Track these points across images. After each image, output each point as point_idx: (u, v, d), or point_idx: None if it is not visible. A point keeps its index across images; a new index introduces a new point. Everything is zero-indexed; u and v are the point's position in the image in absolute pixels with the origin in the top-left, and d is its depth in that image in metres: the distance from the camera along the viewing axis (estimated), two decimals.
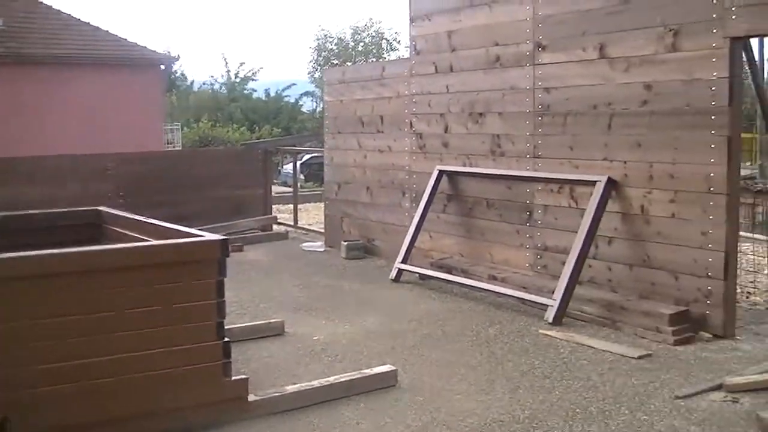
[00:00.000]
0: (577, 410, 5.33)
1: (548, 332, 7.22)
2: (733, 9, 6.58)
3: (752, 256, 10.62)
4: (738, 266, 7.32)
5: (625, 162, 7.58)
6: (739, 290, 9.09)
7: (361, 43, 56.63)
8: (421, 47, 10.20)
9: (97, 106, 27.44)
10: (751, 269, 10.01)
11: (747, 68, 7.80)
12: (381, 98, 10.97)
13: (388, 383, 5.88)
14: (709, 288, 6.93)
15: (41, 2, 30.30)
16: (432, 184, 9.72)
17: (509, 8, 8.76)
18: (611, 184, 7.64)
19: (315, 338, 7.21)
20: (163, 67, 29.75)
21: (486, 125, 9.18)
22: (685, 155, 7.04)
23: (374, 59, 49.25)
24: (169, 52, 32.56)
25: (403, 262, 9.62)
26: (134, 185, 12.88)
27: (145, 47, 30.55)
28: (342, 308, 8.34)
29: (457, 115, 9.60)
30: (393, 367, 6.04)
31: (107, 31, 30.19)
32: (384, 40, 56.49)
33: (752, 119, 26.78)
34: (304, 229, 14.34)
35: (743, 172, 26.48)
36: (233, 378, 5.17)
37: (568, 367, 6.25)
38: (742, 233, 10.75)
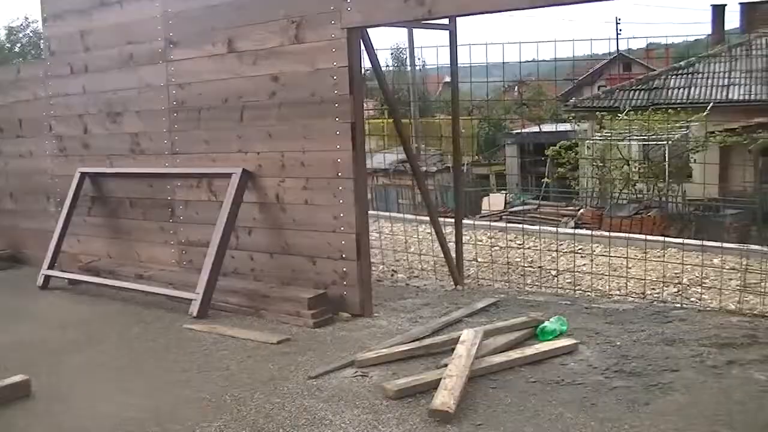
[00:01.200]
0: (212, 400, 5.32)
1: (192, 326, 7.17)
2: (349, 1, 6.87)
3: (402, 237, 11.24)
4: (383, 246, 7.78)
5: (258, 153, 7.70)
6: (385, 269, 9.64)
7: (18, 44, 53.41)
8: (56, 48, 9.79)
9: None
10: (400, 249, 10.58)
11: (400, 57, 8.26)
12: (18, 102, 10.41)
13: (19, 394, 5.55)
14: (344, 270, 7.21)
15: None
16: (74, 188, 9.35)
17: (139, 6, 8.61)
18: (246, 175, 7.72)
19: None
20: None
21: (124, 124, 8.98)
22: (314, 143, 7.27)
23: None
24: None
25: (50, 268, 9.20)
26: None
27: None
28: None
29: (95, 115, 9.31)
30: (25, 377, 5.71)
31: None
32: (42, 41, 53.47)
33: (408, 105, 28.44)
34: None
35: (402, 156, 28.07)
36: None
37: (208, 359, 6.24)
38: (395, 214, 11.38)
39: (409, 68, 31.04)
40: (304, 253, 7.49)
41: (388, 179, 25.49)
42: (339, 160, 7.10)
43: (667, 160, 19.77)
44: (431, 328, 6.71)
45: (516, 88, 32.54)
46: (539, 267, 10.27)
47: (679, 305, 7.74)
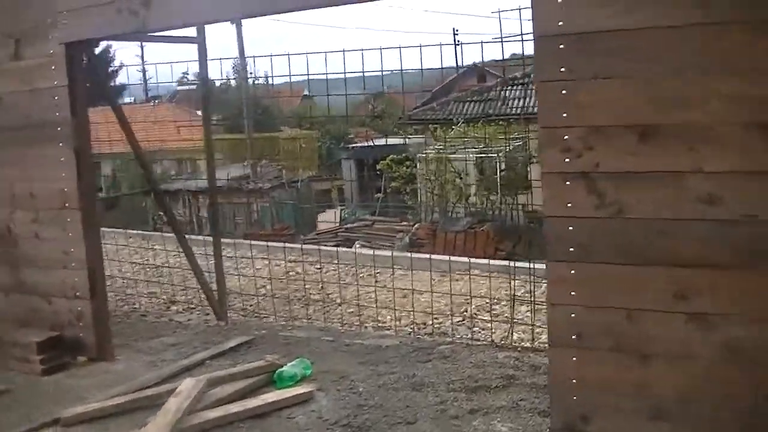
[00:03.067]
0: None
1: None
2: (64, 13, 6.20)
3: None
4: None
5: None
6: (160, 300, 8.95)
7: None
8: None
9: None
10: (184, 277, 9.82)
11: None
12: None
13: None
14: (79, 309, 6.54)
15: None
16: None
17: None
18: None
19: None
20: None
21: None
22: (40, 171, 6.57)
23: None
24: None
25: None
26: None
27: None
28: None
29: None
30: None
31: None
32: None
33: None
34: None
35: (239, 173, 27.41)
36: None
37: None
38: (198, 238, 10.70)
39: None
40: (38, 292, 6.78)
41: (222, 197, 24.83)
42: (66, 190, 6.43)
43: (498, 172, 19.52)
44: (164, 374, 6.13)
45: (372, 100, 32.19)
46: (327, 295, 9.72)
47: (450, 339, 7.30)
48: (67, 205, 6.43)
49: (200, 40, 7.53)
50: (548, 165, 4.44)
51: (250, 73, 30.37)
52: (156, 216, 28.17)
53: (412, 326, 8.21)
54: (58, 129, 6.37)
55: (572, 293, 4.45)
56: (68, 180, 6.39)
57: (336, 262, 11.09)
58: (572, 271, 4.43)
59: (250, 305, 9.00)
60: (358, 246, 20.24)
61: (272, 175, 25.78)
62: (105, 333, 6.63)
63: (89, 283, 6.46)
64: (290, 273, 10.59)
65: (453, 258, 10.73)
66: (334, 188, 27.25)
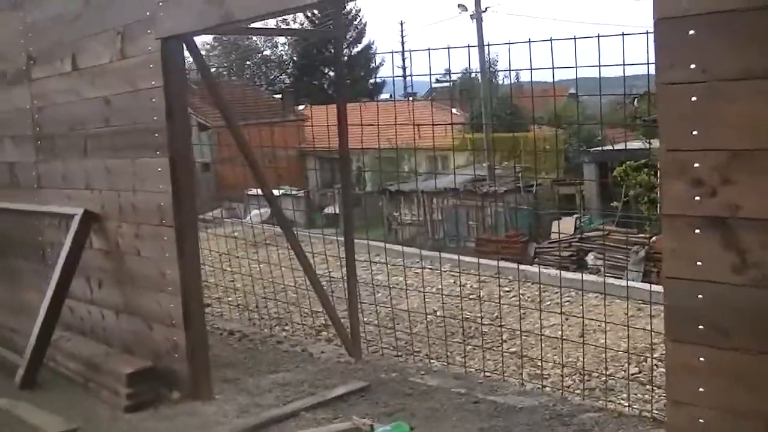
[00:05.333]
0: None
1: None
2: (161, 4, 5.45)
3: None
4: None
5: (101, 191, 6.38)
6: (313, 324, 8.11)
7: None
8: None
9: None
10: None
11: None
12: None
13: None
14: (174, 339, 5.79)
15: None
16: None
17: (4, 16, 7.40)
18: (89, 217, 6.40)
19: None
20: None
21: (5, 152, 7.78)
22: (141, 182, 5.90)
23: None
24: None
25: None
26: None
27: None
28: None
29: None
30: None
31: None
32: None
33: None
34: None
35: (477, 174, 26.33)
36: None
37: None
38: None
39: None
40: (140, 314, 6.13)
41: (458, 200, 23.87)
42: (162, 204, 5.69)
43: None
44: (249, 424, 5.22)
45: (635, 101, 30.01)
46: (499, 326, 8.40)
47: (600, 404, 5.87)
48: (163, 221, 5.70)
49: (338, 34, 6.56)
50: (670, 204, 3.08)
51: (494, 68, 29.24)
52: (389, 216, 27.76)
53: (573, 377, 6.80)
54: (155, 135, 5.65)
55: (701, 389, 3.06)
56: (164, 193, 5.65)
57: (530, 282, 9.78)
58: (701, 359, 3.05)
59: (404, 336, 7.93)
60: (591, 258, 18.67)
61: (510, 177, 24.46)
62: (201, 368, 5.82)
63: (183, 311, 5.68)
64: (471, 296, 9.40)
65: (655, 287, 9.06)
66: (578, 193, 25.44)
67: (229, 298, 9.89)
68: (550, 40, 6.12)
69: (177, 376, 5.80)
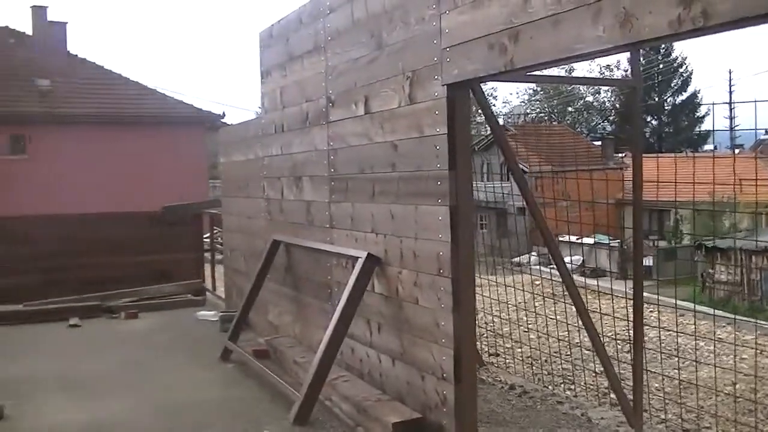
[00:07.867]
0: None
1: None
2: (447, 50, 5.36)
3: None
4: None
5: (385, 236, 6.37)
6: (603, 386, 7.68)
7: None
8: (267, 105, 9.22)
9: (139, 164, 27.48)
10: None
11: None
12: (248, 160, 10.01)
13: None
14: (444, 392, 5.62)
15: (87, 60, 30.81)
16: (266, 255, 8.69)
17: (312, 60, 7.70)
18: (372, 261, 6.43)
19: (34, 424, 6.38)
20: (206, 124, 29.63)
21: (304, 191, 8.07)
22: (423, 229, 5.80)
23: None
24: (211, 110, 31.86)
25: (233, 338, 8.63)
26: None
27: (190, 105, 30.53)
28: (117, 389, 7.48)
29: (287, 179, 8.55)
30: None
31: (153, 89, 30.36)
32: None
33: None
34: (220, 296, 13.42)
35: None
36: None
37: None
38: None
39: None
40: (415, 363, 6.01)
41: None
42: (441, 253, 5.55)
43: None
44: None
45: None
46: None
47: None
48: (441, 271, 5.55)
49: (637, 84, 6.14)
50: None
51: None
52: (704, 273, 26.24)
53: None
54: (438, 183, 5.53)
55: None
56: (443, 243, 5.51)
57: None
58: None
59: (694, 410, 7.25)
60: None
61: None
62: (468, 425, 5.58)
63: (454, 364, 5.49)
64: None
65: None
66: None
67: (520, 350, 9.64)
68: None
69: (444, 430, 5.61)
